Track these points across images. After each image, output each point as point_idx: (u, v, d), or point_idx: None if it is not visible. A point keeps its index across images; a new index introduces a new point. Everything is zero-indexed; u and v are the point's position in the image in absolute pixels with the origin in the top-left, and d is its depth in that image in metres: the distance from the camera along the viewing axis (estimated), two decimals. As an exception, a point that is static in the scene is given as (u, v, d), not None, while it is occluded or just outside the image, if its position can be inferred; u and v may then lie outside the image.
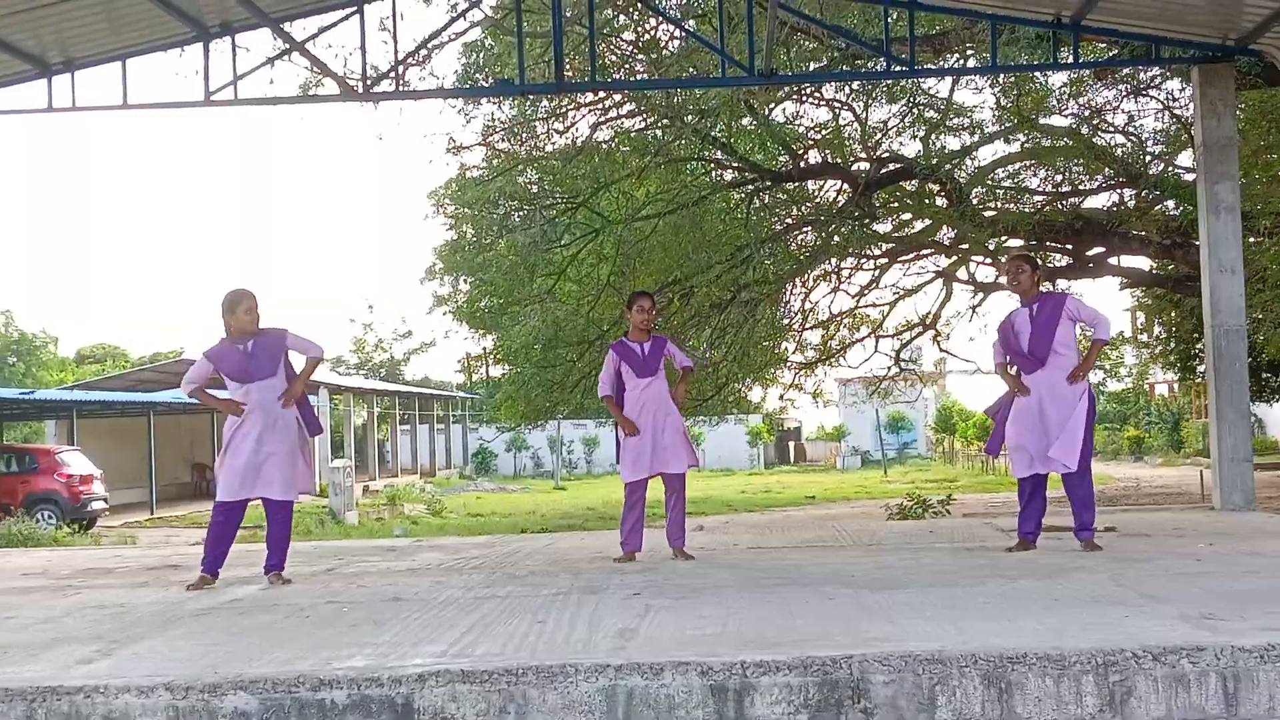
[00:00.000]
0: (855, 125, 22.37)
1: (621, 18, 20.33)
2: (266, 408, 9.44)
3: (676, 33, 19.61)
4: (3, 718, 5.57)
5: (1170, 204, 21.52)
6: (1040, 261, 10.75)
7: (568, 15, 16.68)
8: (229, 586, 9.40)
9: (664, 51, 20.38)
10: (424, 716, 5.52)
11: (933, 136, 21.93)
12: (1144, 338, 43.90)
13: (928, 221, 23.77)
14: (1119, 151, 21.66)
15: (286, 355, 9.72)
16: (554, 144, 22.46)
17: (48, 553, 15.28)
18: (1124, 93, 21.27)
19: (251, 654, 6.27)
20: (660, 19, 19.34)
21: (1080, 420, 9.71)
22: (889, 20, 14.85)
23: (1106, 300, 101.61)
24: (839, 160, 22.39)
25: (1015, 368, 10.00)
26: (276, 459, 9.45)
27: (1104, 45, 17.01)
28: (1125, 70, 19.77)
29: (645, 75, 20.08)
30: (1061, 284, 25.67)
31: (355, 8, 14.36)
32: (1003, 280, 24.07)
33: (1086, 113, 21.50)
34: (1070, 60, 15.45)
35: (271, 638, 6.81)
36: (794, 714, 5.48)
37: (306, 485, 9.81)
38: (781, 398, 34.67)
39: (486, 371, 32.44)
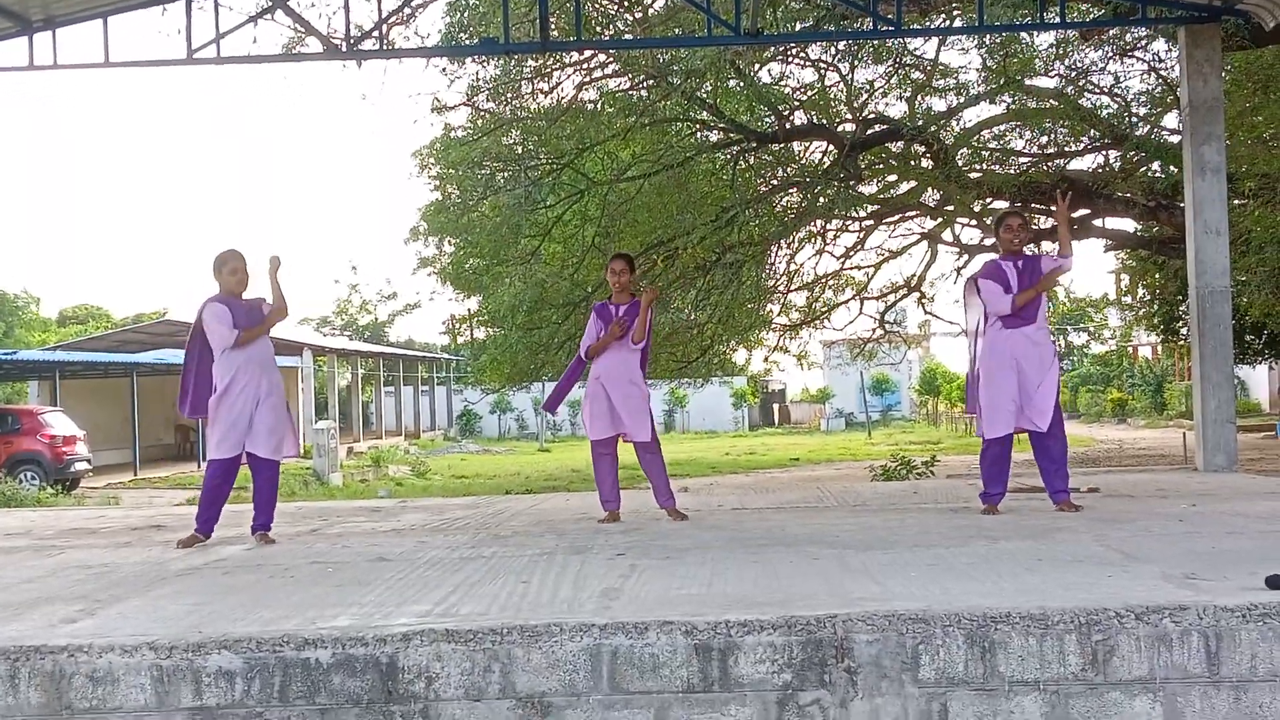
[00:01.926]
0: (841, 86, 22.29)
1: (607, -24, 20.22)
2: (262, 364, 9.50)
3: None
4: (-14, 677, 5.56)
5: (1155, 166, 21.51)
6: (1028, 220, 10.72)
7: (552, -26, 16.57)
8: (214, 546, 9.40)
9: (649, 10, 20.28)
10: (409, 675, 5.53)
11: (918, 98, 21.87)
12: (1128, 300, 44.02)
13: (913, 183, 23.73)
14: (1105, 113, 21.63)
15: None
16: (539, 104, 22.37)
17: (31, 513, 15.26)
18: (1110, 54, 21.22)
19: (236, 613, 6.26)
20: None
21: (1054, 382, 9.76)
22: (876, -20, 14.76)
23: (1092, 262, 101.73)
24: (825, 121, 22.33)
25: (995, 321, 9.91)
26: (269, 415, 9.50)
27: (1090, 5, 16.95)
28: (1112, 31, 19.72)
29: (630, 35, 19.98)
30: (1047, 246, 25.72)
31: (339, -35, 14.25)
32: (989, 241, 24.10)
33: (1072, 74, 21.45)
34: (1057, 20, 15.40)
35: (256, 597, 6.81)
36: (778, 673, 5.49)
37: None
38: (766, 360, 34.74)
39: (471, 333, 32.33)
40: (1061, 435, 9.87)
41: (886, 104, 22.89)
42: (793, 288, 27.67)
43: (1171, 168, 19.94)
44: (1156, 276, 31.90)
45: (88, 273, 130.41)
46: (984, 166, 23.44)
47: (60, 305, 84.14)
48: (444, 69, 21.58)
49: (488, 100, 22.55)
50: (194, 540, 9.49)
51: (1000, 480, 9.97)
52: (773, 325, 28.94)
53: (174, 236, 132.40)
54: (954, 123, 22.50)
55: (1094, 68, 21.59)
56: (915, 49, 21.36)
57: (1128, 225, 25.53)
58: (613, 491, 10.48)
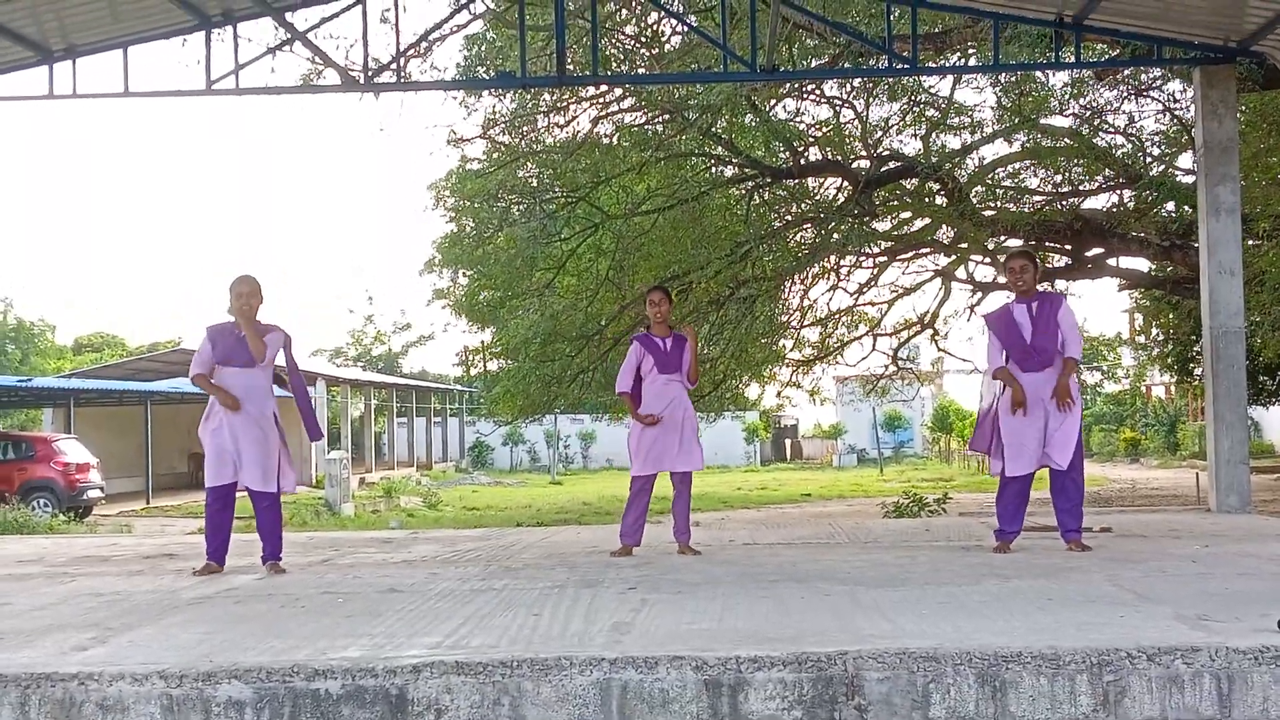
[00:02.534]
0: (856, 123, 22.35)
1: (624, 11, 20.31)
2: (239, 395, 9.53)
3: (679, 27, 19.60)
4: (-3, 704, 5.57)
5: (1170, 206, 21.50)
6: (1040, 260, 10.69)
7: (570, 8, 16.67)
8: (225, 575, 9.42)
9: (666, 46, 20.37)
10: (418, 707, 5.53)
11: (933, 135, 21.92)
12: (1141, 339, 43.93)
13: (927, 220, 23.76)
14: (1119, 152, 21.64)
15: (281, 354, 9.78)
16: (554, 138, 22.47)
17: (44, 540, 15.29)
18: (1125, 93, 21.24)
19: (246, 643, 6.27)
20: (662, 13, 19.33)
21: (1076, 421, 9.74)
22: (891, 18, 14.83)
23: (1105, 301, 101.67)
24: (839, 158, 22.38)
25: (1011, 363, 9.90)
26: (250, 448, 9.51)
27: (1105, 45, 17.00)
28: (1127, 71, 19.76)
29: (647, 70, 20.06)
30: (1060, 284, 25.71)
31: (357, -1, 14.35)
32: (1002, 279, 24.09)
33: (1087, 113, 21.47)
34: (1072, 60, 15.44)
35: (267, 627, 6.81)
36: (788, 710, 5.48)
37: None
38: (779, 395, 34.69)
39: (484, 365, 32.32)
40: (1079, 475, 9.85)
41: (901, 141, 22.96)
42: (806, 323, 27.66)
43: (1186, 208, 19.93)
44: (1170, 316, 31.86)
45: (103, 301, 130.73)
46: (998, 204, 23.44)
47: (76, 333, 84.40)
48: (461, 101, 21.69)
49: (504, 133, 22.67)
50: (209, 569, 9.54)
51: (1017, 519, 9.94)
52: (785, 360, 28.92)
53: (190, 266, 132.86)
54: (968, 160, 22.54)
55: (1109, 107, 21.62)
56: (930, 87, 21.42)
57: (1142, 265, 25.52)
58: (636, 527, 10.47)
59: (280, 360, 9.87)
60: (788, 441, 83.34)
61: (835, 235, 22.07)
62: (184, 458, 49.27)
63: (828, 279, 26.20)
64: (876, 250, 24.95)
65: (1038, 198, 23.50)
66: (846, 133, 22.45)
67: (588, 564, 9.71)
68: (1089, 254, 23.96)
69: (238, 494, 9.70)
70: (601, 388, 25.26)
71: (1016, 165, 22.91)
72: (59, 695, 5.58)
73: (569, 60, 16.55)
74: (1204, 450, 15.22)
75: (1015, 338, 9.82)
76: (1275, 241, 19.83)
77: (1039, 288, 10.35)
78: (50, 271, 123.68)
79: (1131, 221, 21.82)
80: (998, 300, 10.59)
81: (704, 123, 20.07)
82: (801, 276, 25.01)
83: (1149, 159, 21.65)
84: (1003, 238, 22.98)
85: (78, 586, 9.02)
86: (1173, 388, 60.89)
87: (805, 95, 22.41)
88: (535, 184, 23.14)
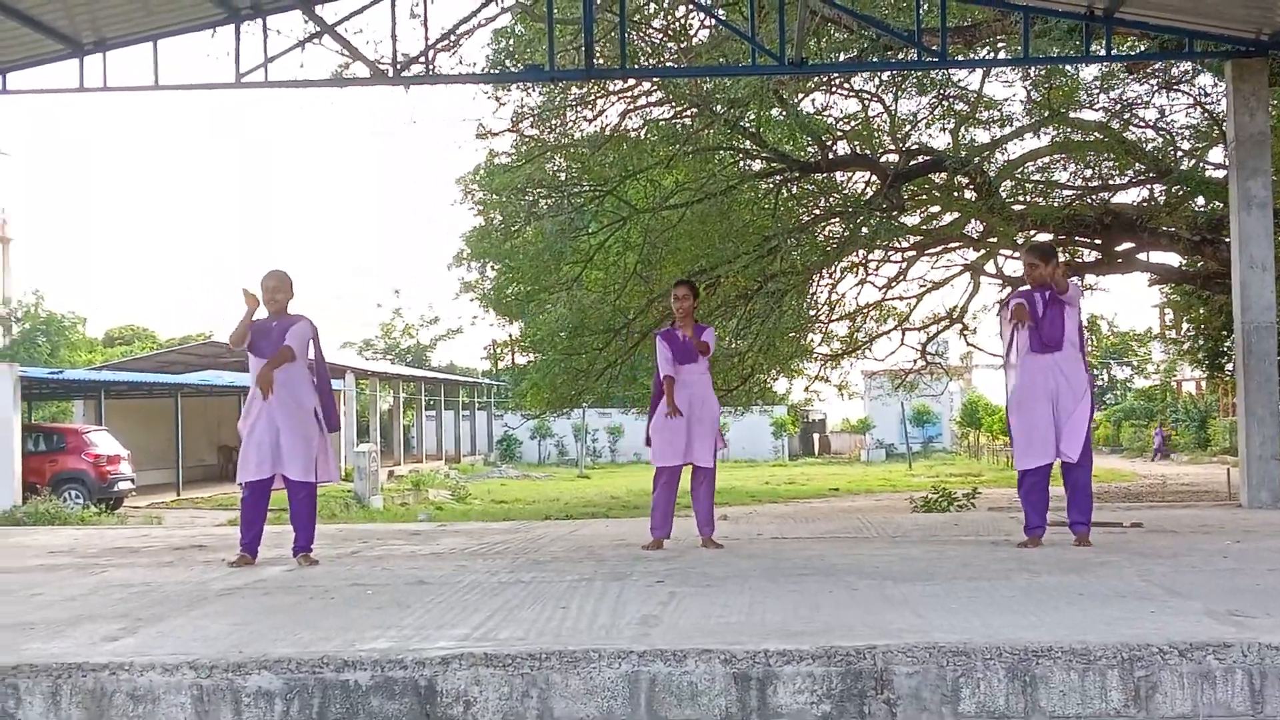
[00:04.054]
0: (884, 117, 22.28)
1: (652, 5, 20.30)
2: (278, 387, 9.54)
3: (706, 21, 19.57)
4: (28, 693, 5.60)
5: (1200, 200, 21.37)
6: (1056, 253, 10.61)
7: (598, 2, 16.67)
8: (255, 567, 9.45)
9: (694, 40, 20.34)
10: (447, 699, 5.53)
11: (962, 129, 21.83)
12: (1172, 334, 43.66)
13: (956, 214, 23.65)
14: (1149, 147, 21.52)
15: (309, 343, 9.81)
16: (583, 131, 22.47)
17: (75, 531, 15.37)
18: (1155, 87, 21.13)
19: (276, 634, 6.29)
20: (691, 6, 19.31)
21: (1086, 412, 9.71)
22: (921, 10, 14.80)
23: (1135, 296, 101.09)
24: (868, 152, 22.32)
25: (1025, 349, 9.83)
26: (291, 438, 9.58)
27: (1136, 38, 16.90)
28: (1157, 64, 19.64)
29: (675, 64, 20.04)
30: (1090, 279, 25.59)
31: (387, -9, 14.37)
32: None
33: (1117, 107, 21.36)
34: (1102, 53, 15.36)
35: (296, 618, 6.84)
36: (817, 703, 5.47)
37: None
38: (807, 389, 34.58)
39: (512, 358, 32.45)
40: (1088, 467, 9.81)
41: (930, 135, 22.87)
42: (834, 317, 27.59)
43: (1217, 202, 19.81)
44: (1201, 311, 31.63)
45: (134, 294, 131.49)
46: (1027, 199, 23.34)
47: (106, 326, 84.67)
48: (490, 94, 21.70)
49: (532, 127, 22.67)
50: (243, 560, 9.60)
51: (1040, 512, 9.89)
52: (814, 355, 28.84)
53: (221, 259, 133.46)
54: (998, 154, 22.45)
55: (1139, 101, 21.51)
56: (959, 80, 21.33)
57: (1172, 259, 25.35)
58: (665, 519, 10.46)
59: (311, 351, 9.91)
60: (816, 436, 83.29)
61: (864, 230, 22.01)
62: (214, 450, 49.49)
63: (856, 273, 26.13)
64: (905, 245, 24.87)
65: (1067, 192, 23.39)
66: (875, 126, 22.38)
67: (615, 557, 9.71)
68: (1119, 249, 23.84)
69: (274, 488, 9.76)
70: (629, 381, 25.29)
71: (1046, 159, 22.80)
72: (90, 685, 5.61)
73: (597, 54, 16.54)
74: (1235, 446, 15.13)
75: (1036, 318, 9.78)
76: (1308, 236, 19.68)
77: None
78: (82, 264, 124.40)
79: (1162, 216, 21.71)
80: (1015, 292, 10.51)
81: (732, 116, 20.04)
82: (829, 271, 24.97)
83: (1179, 153, 21.52)
84: (1032, 232, 22.88)
85: (108, 577, 9.07)
86: (1203, 383, 60.58)
87: (833, 89, 22.35)
88: (563, 178, 23.17)
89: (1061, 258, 11.08)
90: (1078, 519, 9.83)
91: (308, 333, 9.78)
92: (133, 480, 34.62)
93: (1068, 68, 19.06)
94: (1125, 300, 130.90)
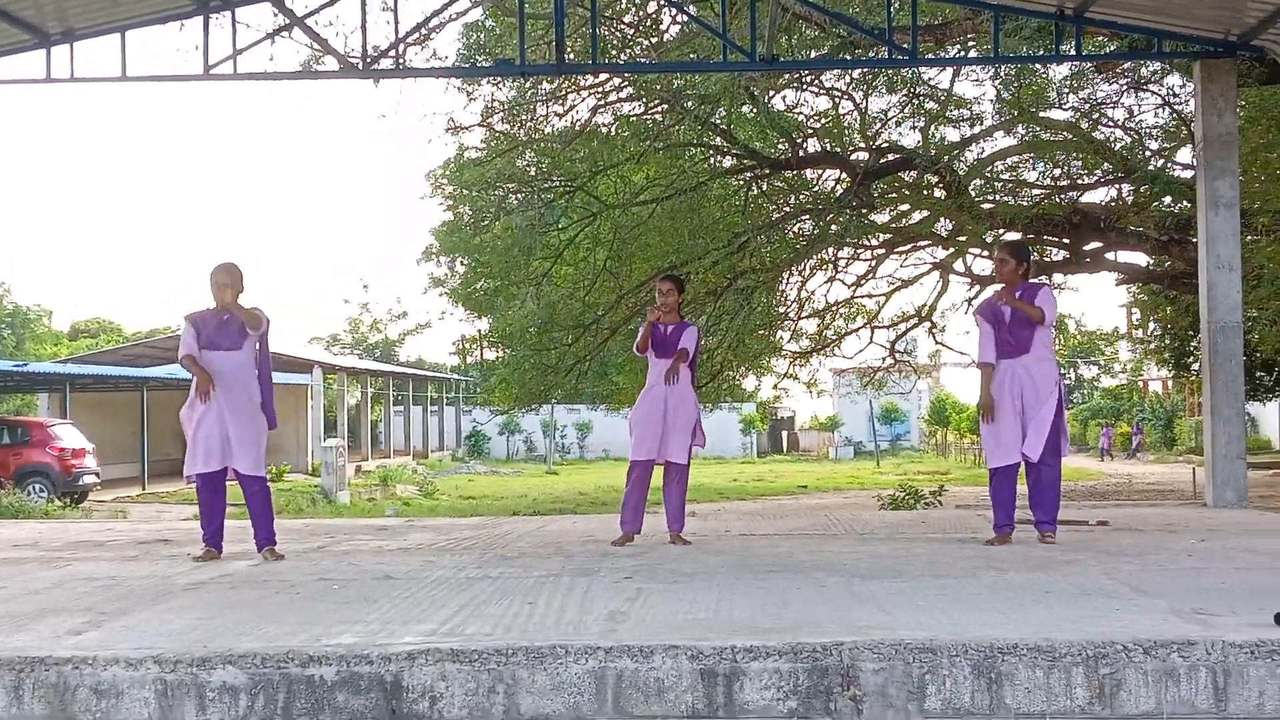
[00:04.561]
0: (855, 115, 22.33)
1: (622, 0, 20.27)
2: (226, 379, 9.50)
3: (678, 16, 19.56)
4: (-10, 688, 5.56)
5: (1168, 200, 21.48)
6: (1030, 253, 10.69)
7: (569, -3, 16.63)
8: (221, 561, 9.40)
9: (665, 35, 20.33)
10: (413, 695, 5.52)
11: (932, 128, 21.88)
12: (1139, 334, 43.95)
13: (925, 213, 23.72)
14: (1118, 146, 21.63)
15: (260, 335, 9.73)
16: (553, 127, 22.43)
17: (38, 525, 15.28)
18: (1124, 87, 21.23)
19: (241, 629, 6.26)
20: (662, 2, 19.30)
21: (1050, 412, 9.75)
22: (892, 9, 14.81)
23: (1103, 295, 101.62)
24: (838, 149, 22.36)
25: (995, 354, 9.92)
26: (243, 432, 9.52)
27: (1106, 38, 16.97)
28: (1126, 64, 19.73)
29: (646, 59, 20.02)
30: (1058, 278, 25.70)
31: (357, -15, 14.31)
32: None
33: (1086, 106, 21.46)
34: (1072, 53, 15.42)
35: (261, 613, 6.80)
36: (783, 700, 5.47)
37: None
38: (775, 387, 34.65)
39: (481, 354, 32.39)
40: (1054, 466, 9.90)
41: (900, 133, 22.92)
42: (803, 315, 27.63)
43: (1184, 202, 19.92)
44: (1168, 311, 31.87)
45: (100, 287, 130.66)
46: (997, 197, 23.42)
47: (72, 319, 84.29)
48: (460, 88, 21.64)
49: (502, 122, 22.61)
50: (209, 555, 9.55)
51: (1006, 511, 9.94)
52: (783, 352, 28.89)
53: (186, 252, 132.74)
54: (967, 153, 22.52)
55: (1108, 101, 21.61)
56: (930, 79, 21.39)
57: (1140, 259, 25.50)
58: (635, 514, 10.42)
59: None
60: (784, 433, 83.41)
61: (833, 227, 22.04)
62: (179, 444, 49.13)
63: (825, 271, 26.18)
64: (875, 242, 24.94)
65: (1036, 191, 23.48)
66: (845, 124, 22.43)
67: (583, 553, 9.70)
68: (1087, 248, 23.96)
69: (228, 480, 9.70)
70: (598, 378, 25.28)
71: (1015, 159, 22.90)
72: (53, 679, 5.57)
73: (568, 49, 16.51)
74: (1201, 445, 15.21)
75: (996, 330, 9.93)
76: (1274, 236, 19.81)
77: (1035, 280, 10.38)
78: (46, 256, 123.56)
79: (1130, 216, 21.81)
80: (985, 299, 10.61)
81: (702, 113, 20.05)
82: (799, 268, 25.00)
83: (1148, 153, 21.63)
84: (1001, 231, 22.96)
85: (72, 571, 9.01)
86: (1170, 382, 60.99)
87: (804, 86, 22.37)
88: (533, 173, 23.12)
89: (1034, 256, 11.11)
90: (1042, 518, 9.90)
91: (255, 318, 9.71)
92: (97, 474, 34.45)
93: (1037, 67, 19.14)
94: (1093, 299, 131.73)
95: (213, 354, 9.56)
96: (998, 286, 10.45)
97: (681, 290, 11.10)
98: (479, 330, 31.80)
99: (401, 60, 15.36)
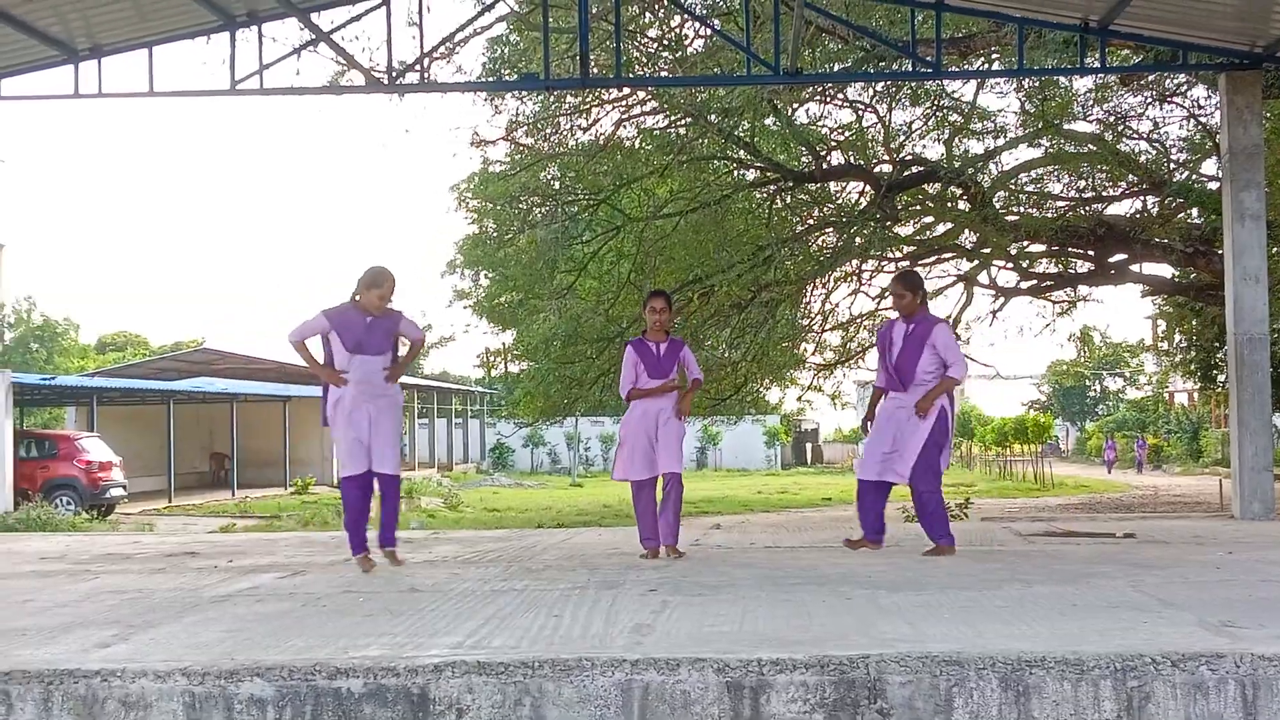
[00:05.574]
0: (878, 127, 22.32)
1: (647, 15, 20.32)
2: (372, 382, 9.53)
3: (702, 30, 19.60)
4: (20, 700, 5.58)
5: (1194, 212, 21.41)
6: (922, 282, 10.80)
7: (593, 11, 16.69)
8: (247, 574, 9.43)
9: (688, 49, 20.36)
10: (439, 707, 5.52)
11: (956, 140, 21.86)
12: (1164, 346, 43.77)
13: (949, 225, 23.69)
14: (1143, 158, 21.57)
15: (397, 337, 9.81)
16: (577, 140, 22.48)
17: (66, 538, 15.34)
18: (1149, 99, 21.17)
19: (268, 641, 6.28)
20: (685, 16, 19.34)
21: (920, 437, 10.05)
22: (915, 21, 14.82)
23: (1128, 307, 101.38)
24: (861, 162, 22.35)
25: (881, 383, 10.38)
26: (386, 434, 9.57)
27: (1130, 50, 16.94)
28: (1151, 76, 19.69)
29: (669, 73, 20.06)
30: (1083, 290, 25.63)
31: (382, 0, 14.39)
32: (1025, 284, 24.04)
33: (1111, 119, 21.41)
34: (1097, 65, 15.40)
35: (288, 626, 6.82)
36: (810, 713, 5.46)
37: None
38: (799, 399, 34.63)
39: (505, 367, 32.29)
40: (927, 488, 10.28)
41: (924, 146, 22.92)
42: (827, 327, 27.61)
43: (1210, 214, 19.85)
44: (1194, 323, 31.68)
45: (127, 301, 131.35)
46: (1021, 210, 23.37)
47: (100, 332, 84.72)
48: (485, 101, 21.72)
49: (527, 135, 22.68)
50: (365, 563, 9.61)
51: (865, 519, 10.54)
52: (807, 364, 28.86)
53: (213, 266, 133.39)
54: (991, 165, 22.48)
55: (1133, 113, 21.57)
56: (954, 91, 21.39)
57: (1165, 271, 25.39)
58: (653, 529, 10.39)
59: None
60: (808, 445, 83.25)
61: (857, 239, 22.04)
62: (205, 457, 49.41)
63: (849, 283, 26.18)
64: (898, 255, 24.88)
65: (1061, 203, 23.43)
66: (869, 137, 22.43)
67: (608, 565, 9.70)
68: (1112, 260, 23.87)
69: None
70: (622, 390, 25.21)
71: (1040, 170, 22.87)
72: (81, 692, 5.59)
73: (592, 63, 16.56)
74: (1227, 457, 15.14)
75: (883, 356, 10.36)
76: (1300, 248, 19.72)
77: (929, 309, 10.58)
78: (75, 271, 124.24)
79: (1155, 227, 21.75)
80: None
81: (726, 126, 20.06)
82: (823, 280, 24.98)
83: (1173, 165, 21.57)
84: (1026, 243, 22.92)
85: (100, 584, 9.05)
86: (1195, 394, 60.68)
87: (828, 99, 22.39)
88: (557, 186, 23.18)
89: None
90: (930, 533, 10.39)
91: (398, 325, 9.82)
92: (124, 487, 34.59)
93: (1062, 79, 19.12)
94: (1118, 311, 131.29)
95: (361, 358, 9.50)
96: (897, 315, 10.53)
97: (672, 307, 11.08)
98: (503, 343, 31.73)
99: (427, 75, 15.43)
